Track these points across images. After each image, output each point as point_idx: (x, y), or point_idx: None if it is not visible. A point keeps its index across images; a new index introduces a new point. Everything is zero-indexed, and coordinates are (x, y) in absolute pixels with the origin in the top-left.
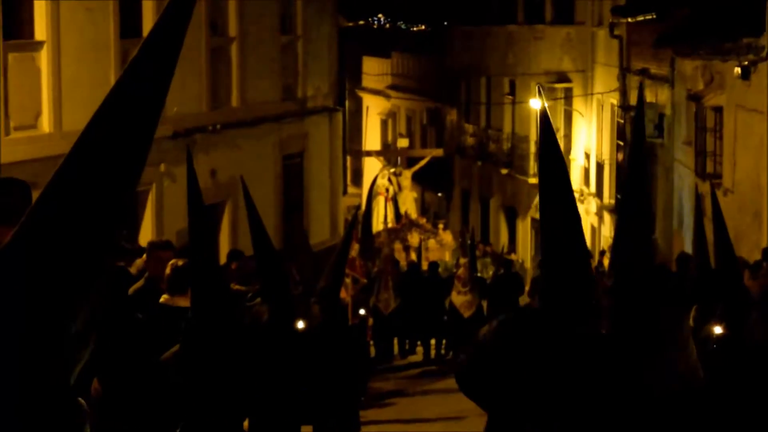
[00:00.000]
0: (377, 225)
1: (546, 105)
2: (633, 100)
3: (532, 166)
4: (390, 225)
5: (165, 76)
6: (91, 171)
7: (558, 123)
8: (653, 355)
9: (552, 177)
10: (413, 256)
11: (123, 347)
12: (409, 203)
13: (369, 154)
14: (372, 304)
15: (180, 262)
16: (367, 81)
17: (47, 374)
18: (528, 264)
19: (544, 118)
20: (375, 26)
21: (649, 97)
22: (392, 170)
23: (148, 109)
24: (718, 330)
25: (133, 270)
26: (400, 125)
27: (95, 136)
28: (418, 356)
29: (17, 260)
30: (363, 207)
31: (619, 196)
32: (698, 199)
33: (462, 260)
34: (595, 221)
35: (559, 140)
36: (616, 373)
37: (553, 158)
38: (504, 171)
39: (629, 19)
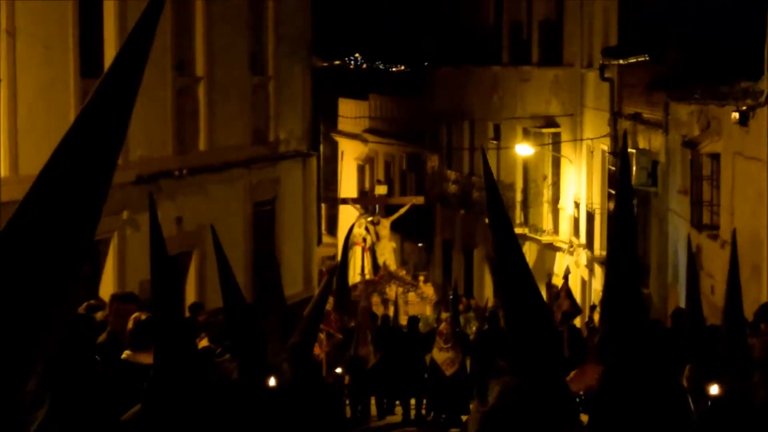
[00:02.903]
0: (354, 277)
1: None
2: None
3: (519, 215)
4: (367, 277)
5: (123, 116)
6: (46, 219)
7: (545, 170)
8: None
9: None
10: (392, 309)
11: (84, 401)
12: (387, 254)
13: (345, 201)
14: (348, 360)
15: (143, 316)
16: (343, 124)
17: None
18: None
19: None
20: (351, 66)
21: (642, 144)
22: (370, 219)
23: (106, 151)
24: (714, 390)
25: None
26: (378, 171)
27: (51, 181)
28: (396, 417)
29: None
30: (339, 258)
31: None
32: (691, 251)
33: (444, 315)
34: (586, 274)
35: (547, 188)
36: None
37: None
38: (488, 220)
39: (621, 61)
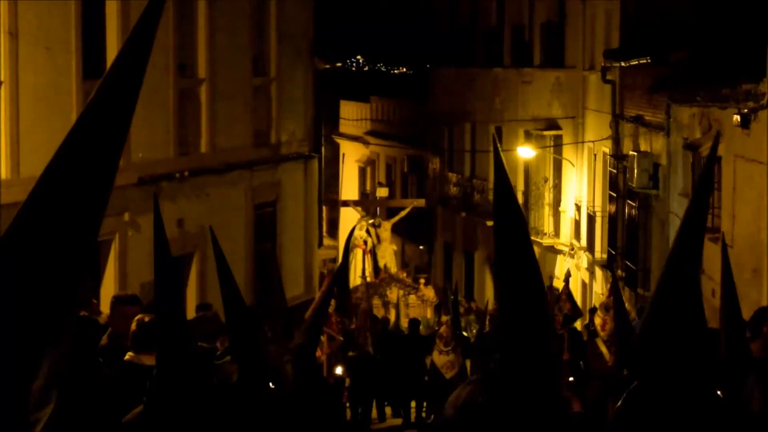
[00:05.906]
0: (355, 279)
1: (500, 150)
2: (626, 148)
3: None
4: (368, 279)
5: (125, 117)
6: (49, 219)
7: (547, 172)
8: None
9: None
10: (392, 312)
11: (87, 402)
12: (388, 256)
13: (346, 204)
14: (349, 362)
15: (146, 318)
16: (345, 126)
17: None
18: None
19: (499, 166)
20: (353, 68)
21: (643, 146)
22: (371, 221)
23: (108, 151)
24: None
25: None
26: (380, 173)
27: (53, 182)
28: (397, 419)
29: None
30: (339, 260)
31: (612, 252)
32: None
33: (444, 318)
34: (587, 277)
35: (548, 190)
36: None
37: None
38: (489, 223)
39: (622, 63)
